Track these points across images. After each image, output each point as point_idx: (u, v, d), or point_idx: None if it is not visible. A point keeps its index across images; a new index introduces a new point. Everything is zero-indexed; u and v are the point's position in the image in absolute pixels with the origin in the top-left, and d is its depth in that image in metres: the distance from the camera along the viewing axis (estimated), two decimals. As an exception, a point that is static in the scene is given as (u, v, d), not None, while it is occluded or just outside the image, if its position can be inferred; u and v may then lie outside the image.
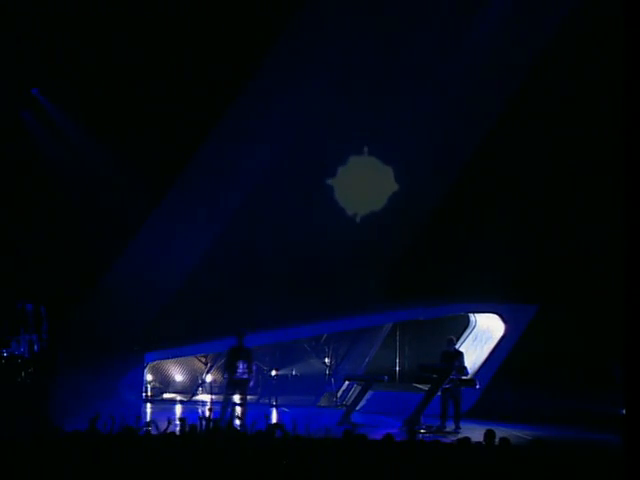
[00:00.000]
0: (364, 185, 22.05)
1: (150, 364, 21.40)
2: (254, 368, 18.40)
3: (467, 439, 12.66)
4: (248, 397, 21.41)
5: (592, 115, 20.57)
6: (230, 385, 18.30)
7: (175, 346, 20.94)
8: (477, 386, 19.60)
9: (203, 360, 21.59)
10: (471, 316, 22.06)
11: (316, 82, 21.32)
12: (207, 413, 18.52)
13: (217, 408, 19.08)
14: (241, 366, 18.21)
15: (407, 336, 22.60)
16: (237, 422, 17.87)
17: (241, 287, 21.19)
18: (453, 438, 17.12)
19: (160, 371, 22.24)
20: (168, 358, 21.71)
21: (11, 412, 17.11)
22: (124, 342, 19.73)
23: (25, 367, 18.59)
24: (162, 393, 22.20)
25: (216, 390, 21.00)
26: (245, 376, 18.20)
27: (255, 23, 20.33)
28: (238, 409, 18.20)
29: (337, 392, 22.10)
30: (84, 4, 20.27)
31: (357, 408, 19.99)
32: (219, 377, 21.21)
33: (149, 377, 21.87)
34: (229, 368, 18.25)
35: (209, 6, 20.39)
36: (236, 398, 18.26)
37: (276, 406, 21.32)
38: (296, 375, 22.22)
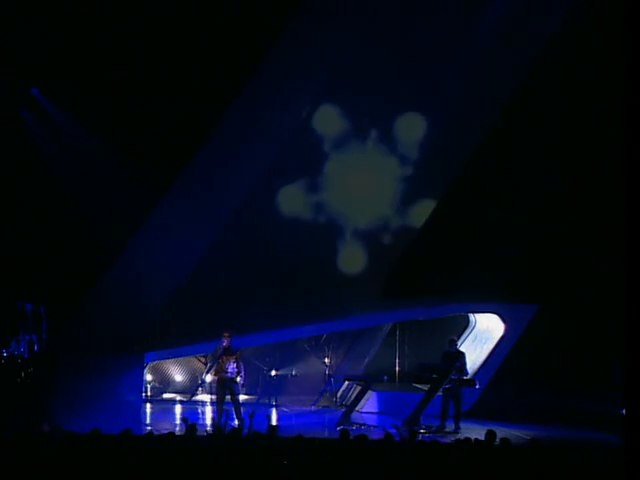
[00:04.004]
0: (363, 186, 22.04)
1: (150, 364, 21.39)
2: (242, 367, 18.42)
3: (467, 439, 12.67)
4: (250, 397, 21.53)
5: (593, 115, 20.58)
6: (220, 386, 18.32)
7: (175, 346, 20.94)
8: (477, 386, 19.60)
9: (203, 360, 21.58)
10: (471, 316, 22.05)
11: (316, 83, 21.31)
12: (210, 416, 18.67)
13: (214, 409, 19.16)
14: (230, 367, 18.24)
15: (407, 336, 22.58)
16: (235, 422, 17.93)
17: (241, 287, 21.19)
18: (453, 438, 17.15)
19: (160, 371, 22.24)
20: (168, 358, 21.70)
21: (11, 412, 17.12)
22: (124, 342, 19.72)
23: (25, 367, 18.59)
24: (162, 393, 22.20)
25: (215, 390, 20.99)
26: (234, 376, 18.24)
27: (255, 23, 20.33)
28: (233, 409, 18.26)
29: (337, 392, 22.09)
30: (84, 4, 20.27)
31: (357, 408, 19.99)
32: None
33: (149, 377, 21.87)
34: (218, 369, 18.29)
35: (210, 6, 20.38)
36: (228, 398, 18.31)
37: (276, 406, 21.33)
38: (296, 375, 22.21)
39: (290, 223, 21.73)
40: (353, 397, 20.28)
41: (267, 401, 21.55)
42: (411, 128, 21.83)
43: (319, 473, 11.49)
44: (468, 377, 19.38)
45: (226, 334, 18.34)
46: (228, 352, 18.29)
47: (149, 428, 18.12)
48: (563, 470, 12.00)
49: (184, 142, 20.62)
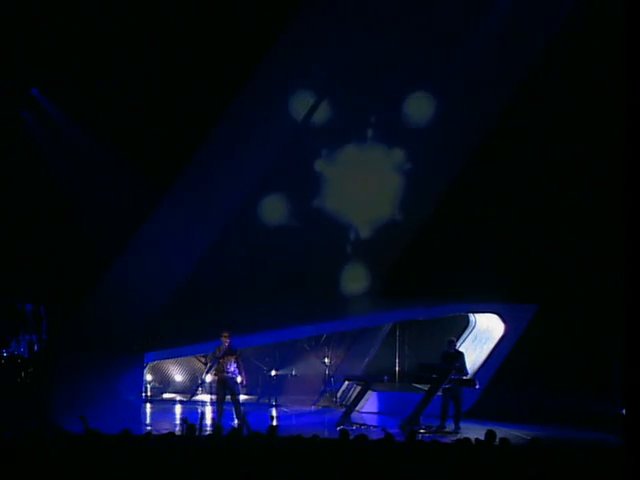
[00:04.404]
0: (363, 186, 22.03)
1: (150, 364, 21.39)
2: (243, 367, 18.43)
3: (467, 439, 12.67)
4: (250, 397, 21.54)
5: (593, 116, 20.57)
6: (220, 386, 18.33)
7: (175, 346, 20.93)
8: (477, 386, 19.60)
9: (203, 360, 21.58)
10: (471, 316, 22.05)
11: (316, 83, 21.30)
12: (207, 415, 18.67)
13: (214, 409, 19.17)
14: (230, 367, 18.24)
15: (407, 336, 22.59)
16: (235, 422, 17.96)
17: (241, 287, 21.19)
18: (453, 438, 17.16)
19: (160, 371, 22.24)
20: (168, 358, 21.70)
21: (11, 412, 17.13)
22: (124, 342, 19.72)
23: (25, 367, 18.60)
24: (162, 393, 22.21)
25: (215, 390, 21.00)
26: (235, 376, 18.24)
27: (255, 23, 20.34)
28: (233, 409, 18.29)
29: (337, 392, 22.09)
30: (84, 4, 20.27)
31: (357, 408, 19.99)
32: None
33: (149, 377, 21.87)
34: (218, 369, 18.29)
35: (210, 6, 20.38)
36: (228, 399, 18.33)
37: (276, 406, 21.34)
38: (296, 375, 22.21)
39: (289, 223, 21.72)
40: (353, 397, 20.28)
41: (267, 401, 21.56)
42: (411, 127, 21.81)
43: (319, 473, 11.49)
44: (468, 377, 19.39)
45: (225, 334, 18.36)
46: (228, 352, 18.31)
47: (149, 428, 18.14)
48: (563, 470, 12.00)
49: (184, 142, 20.62)
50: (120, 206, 20.90)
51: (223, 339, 18.35)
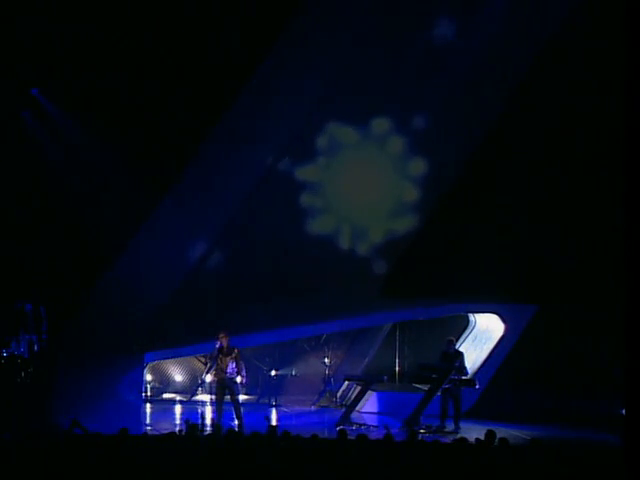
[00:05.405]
0: (363, 185, 22.01)
1: (150, 364, 21.39)
2: (243, 367, 18.43)
3: (467, 439, 12.69)
4: (250, 397, 21.54)
5: (593, 116, 20.54)
6: (220, 386, 18.32)
7: (175, 346, 20.92)
8: (477, 386, 19.61)
9: (203, 360, 21.58)
10: (471, 316, 22.04)
11: (316, 82, 21.30)
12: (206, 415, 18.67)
13: (214, 409, 19.17)
14: (230, 367, 18.23)
15: (407, 336, 22.58)
16: (235, 422, 17.96)
17: (241, 287, 21.18)
18: (453, 438, 17.16)
19: (160, 371, 22.24)
20: (168, 358, 21.70)
21: (11, 412, 17.14)
22: (124, 342, 19.72)
23: (25, 367, 18.60)
24: (162, 393, 22.21)
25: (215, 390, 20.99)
26: (234, 376, 18.23)
27: (255, 23, 20.34)
28: (233, 410, 18.29)
29: (337, 392, 22.09)
30: (84, 4, 20.28)
31: (357, 408, 19.99)
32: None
33: (149, 377, 21.87)
34: (217, 369, 18.28)
35: (209, 6, 20.38)
36: (228, 399, 18.32)
37: (276, 406, 21.34)
38: (296, 375, 22.21)
39: (289, 223, 21.70)
40: (353, 397, 20.28)
41: (267, 401, 21.56)
42: (411, 127, 21.78)
43: (319, 473, 11.50)
44: (468, 377, 19.40)
45: (222, 335, 18.35)
46: (227, 352, 18.29)
47: (149, 428, 18.14)
48: (563, 470, 12.01)
49: (185, 142, 20.62)
50: (120, 206, 20.89)
51: (221, 340, 18.32)
